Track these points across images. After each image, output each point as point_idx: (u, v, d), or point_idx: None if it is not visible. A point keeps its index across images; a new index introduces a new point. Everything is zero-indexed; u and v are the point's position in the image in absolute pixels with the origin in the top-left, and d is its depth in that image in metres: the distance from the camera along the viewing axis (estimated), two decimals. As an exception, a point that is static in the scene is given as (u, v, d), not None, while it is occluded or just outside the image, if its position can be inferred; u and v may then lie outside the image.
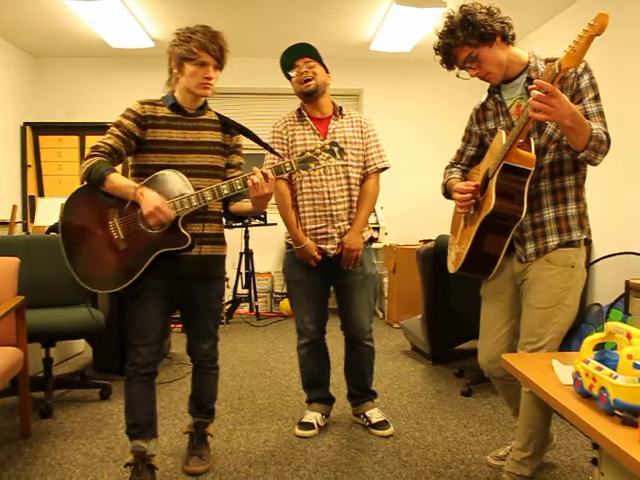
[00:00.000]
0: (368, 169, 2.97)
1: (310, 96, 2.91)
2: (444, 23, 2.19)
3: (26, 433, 2.96)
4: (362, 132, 2.97)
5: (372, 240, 3.08)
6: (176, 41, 2.36)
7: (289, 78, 2.95)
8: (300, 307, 3.05)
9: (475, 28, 2.11)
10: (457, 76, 2.27)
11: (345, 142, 2.90)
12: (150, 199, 2.24)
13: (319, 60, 2.92)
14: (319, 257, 2.91)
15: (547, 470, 2.59)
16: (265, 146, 2.61)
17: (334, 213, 2.90)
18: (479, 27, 2.11)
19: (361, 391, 3.17)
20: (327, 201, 2.89)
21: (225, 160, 2.53)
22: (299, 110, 3.00)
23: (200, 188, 2.32)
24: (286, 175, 2.68)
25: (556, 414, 2.23)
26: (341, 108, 3.00)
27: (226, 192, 2.31)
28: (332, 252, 2.92)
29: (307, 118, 2.95)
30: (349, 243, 2.91)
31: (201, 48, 2.30)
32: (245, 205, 2.51)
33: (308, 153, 2.31)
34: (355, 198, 2.95)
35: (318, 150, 2.31)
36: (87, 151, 2.35)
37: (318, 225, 2.91)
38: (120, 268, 2.32)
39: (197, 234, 2.39)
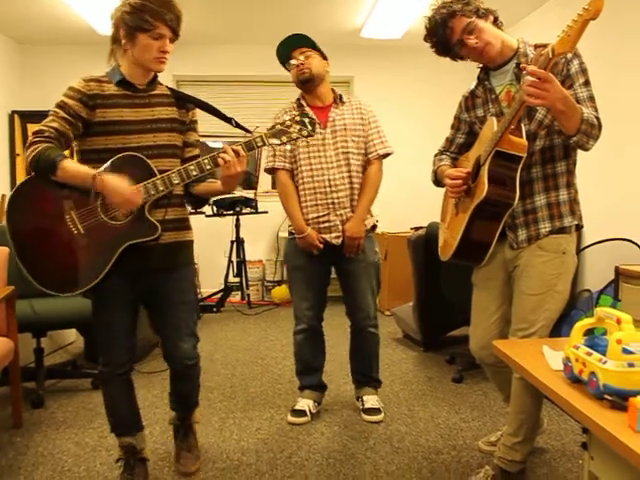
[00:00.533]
0: (369, 155, 2.97)
1: (307, 84, 2.91)
2: (436, 5, 2.19)
3: (18, 423, 2.95)
4: (362, 119, 2.97)
5: (374, 228, 3.08)
6: (126, 6, 2.08)
7: (288, 70, 2.95)
8: (298, 293, 3.06)
9: (469, 2, 2.13)
10: (451, 59, 2.26)
11: (345, 129, 2.92)
12: (115, 186, 2.03)
13: (316, 48, 2.92)
14: (321, 246, 2.91)
15: (538, 455, 2.61)
16: (229, 120, 2.40)
17: (335, 201, 2.91)
18: (473, 2, 2.13)
19: (364, 377, 3.19)
20: (328, 189, 2.89)
21: (182, 138, 2.32)
22: (298, 100, 2.99)
23: (164, 171, 2.14)
24: (257, 150, 2.49)
25: (547, 399, 2.24)
26: (341, 96, 3.00)
27: (195, 173, 2.13)
28: (336, 241, 2.93)
29: (306, 108, 2.93)
30: (351, 231, 2.91)
31: (158, 18, 2.05)
32: (213, 186, 2.33)
33: (278, 126, 2.19)
34: (356, 185, 2.95)
35: (288, 122, 2.19)
36: (29, 138, 2.09)
37: (320, 214, 2.91)
38: (84, 267, 2.12)
39: (160, 221, 2.17)
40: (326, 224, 2.92)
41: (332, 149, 2.90)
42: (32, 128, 6.91)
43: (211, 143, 5.61)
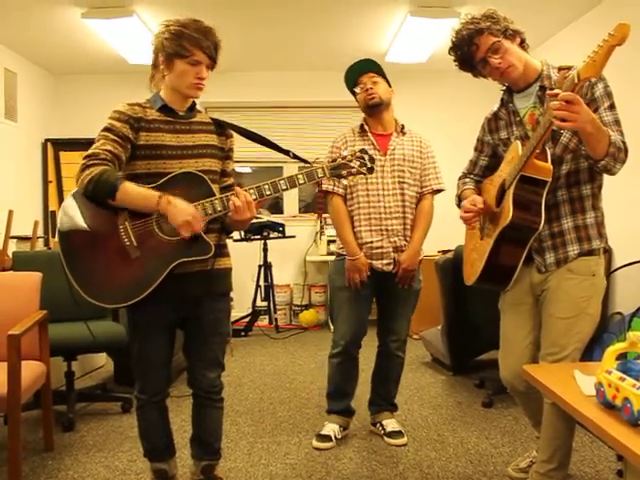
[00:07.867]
0: (424, 189, 3.02)
1: (374, 108, 2.96)
2: (465, 20, 2.21)
3: (49, 446, 2.98)
4: (421, 152, 3.02)
5: (420, 261, 3.09)
6: (165, 33, 2.12)
7: (354, 95, 3.01)
8: (340, 314, 3.06)
9: (498, 22, 2.15)
10: (473, 75, 2.27)
11: (404, 159, 2.96)
12: (183, 207, 2.03)
13: (382, 75, 2.98)
14: (365, 276, 2.92)
15: (571, 482, 2.56)
16: (286, 152, 2.39)
17: (389, 228, 2.94)
18: (502, 22, 2.15)
19: (383, 400, 3.17)
20: (383, 216, 2.93)
21: (221, 165, 2.32)
22: (361, 125, 3.04)
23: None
24: (314, 181, 2.50)
25: (579, 425, 2.20)
26: (403, 126, 3.05)
27: (253, 198, 2.13)
28: (387, 268, 2.95)
29: (369, 133, 2.99)
30: (406, 263, 2.94)
31: (195, 44, 2.09)
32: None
33: (340, 160, 2.22)
34: (409, 215, 2.98)
35: (349, 157, 2.22)
36: (82, 161, 2.06)
37: (374, 239, 2.94)
38: (132, 279, 2.07)
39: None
40: (378, 250, 2.94)
41: (389, 177, 2.94)
42: (64, 156, 7.04)
43: (238, 168, 5.68)
